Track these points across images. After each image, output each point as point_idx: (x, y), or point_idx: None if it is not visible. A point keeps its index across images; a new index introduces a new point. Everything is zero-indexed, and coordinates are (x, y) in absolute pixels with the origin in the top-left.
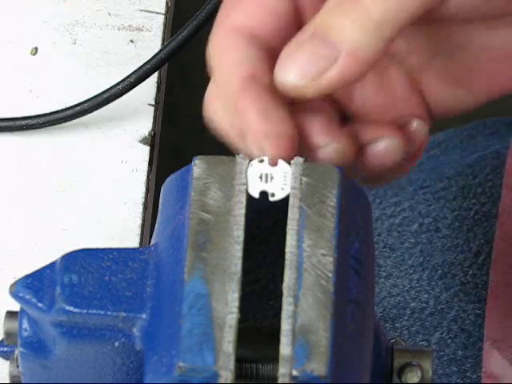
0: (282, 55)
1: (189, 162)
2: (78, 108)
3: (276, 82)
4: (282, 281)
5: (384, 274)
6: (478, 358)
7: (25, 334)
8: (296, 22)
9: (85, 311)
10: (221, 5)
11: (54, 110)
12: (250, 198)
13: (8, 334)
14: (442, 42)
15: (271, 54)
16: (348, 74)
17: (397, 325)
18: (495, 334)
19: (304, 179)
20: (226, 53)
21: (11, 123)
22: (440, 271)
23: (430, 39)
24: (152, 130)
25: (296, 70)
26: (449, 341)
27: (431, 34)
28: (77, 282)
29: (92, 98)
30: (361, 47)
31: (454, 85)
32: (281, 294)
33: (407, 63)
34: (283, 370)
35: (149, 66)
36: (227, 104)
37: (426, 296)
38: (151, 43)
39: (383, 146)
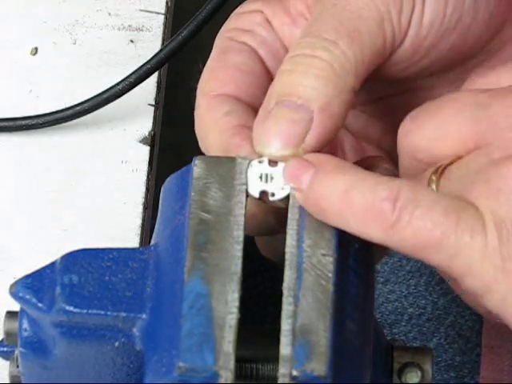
0: (255, 129)
1: (189, 162)
2: (78, 108)
3: (259, 154)
4: (280, 285)
5: (381, 279)
6: (475, 364)
7: (25, 334)
8: (268, 81)
9: (85, 311)
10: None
11: (53, 109)
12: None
13: (8, 334)
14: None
15: (255, 110)
16: (327, 130)
17: (394, 330)
18: (493, 339)
19: None
20: (212, 112)
21: (11, 123)
22: (438, 277)
23: (401, 117)
24: (152, 130)
25: (277, 143)
26: (446, 346)
27: (402, 111)
28: (77, 282)
29: (92, 98)
30: (330, 101)
31: None
32: (280, 299)
33: (383, 145)
34: (283, 370)
35: (149, 65)
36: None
37: (423, 302)
38: (151, 43)
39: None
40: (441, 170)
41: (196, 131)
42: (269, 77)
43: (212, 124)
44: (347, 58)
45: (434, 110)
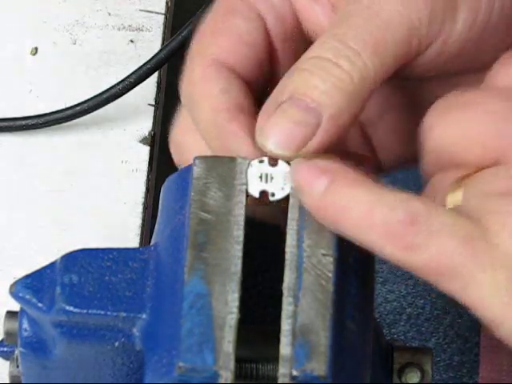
0: (261, 119)
1: None
2: (77, 108)
3: (259, 145)
4: (280, 285)
5: (380, 279)
6: (474, 364)
7: (25, 334)
8: (270, 57)
9: (85, 311)
10: (195, 37)
11: (53, 109)
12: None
13: (8, 334)
14: (396, 98)
15: (249, 84)
16: (330, 139)
17: (393, 330)
18: (491, 339)
19: None
20: (207, 84)
21: (11, 123)
22: None
23: (383, 95)
24: (152, 130)
25: (280, 140)
26: (445, 346)
27: (384, 90)
28: (77, 282)
29: (92, 98)
30: (341, 111)
31: (406, 140)
32: (279, 299)
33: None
34: (283, 370)
35: (149, 66)
36: (208, 133)
37: (422, 302)
38: (151, 43)
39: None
40: (464, 180)
41: (182, 92)
42: (268, 50)
43: (205, 98)
44: (368, 70)
45: (460, 106)
